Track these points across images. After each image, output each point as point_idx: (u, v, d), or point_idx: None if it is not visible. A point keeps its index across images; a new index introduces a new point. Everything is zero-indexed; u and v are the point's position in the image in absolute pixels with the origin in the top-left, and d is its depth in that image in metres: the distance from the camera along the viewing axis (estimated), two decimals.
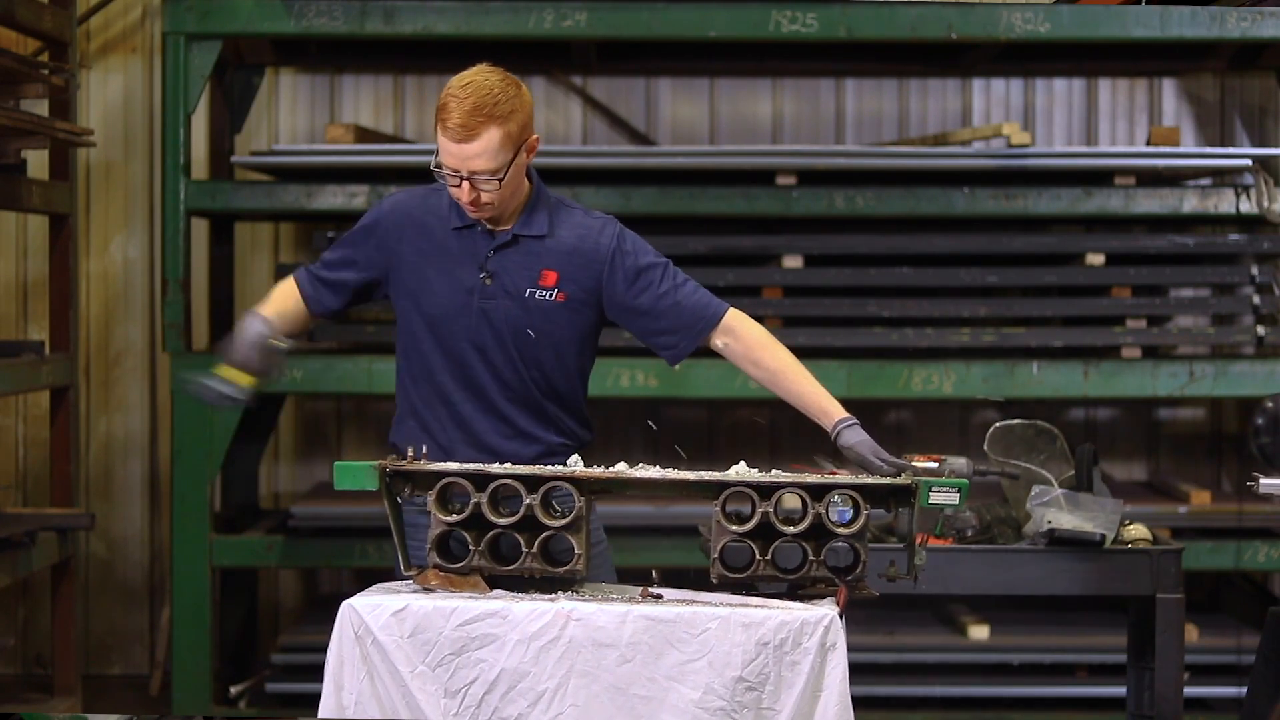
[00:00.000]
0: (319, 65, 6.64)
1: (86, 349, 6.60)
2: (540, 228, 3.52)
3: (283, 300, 3.64)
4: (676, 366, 3.63)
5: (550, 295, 3.51)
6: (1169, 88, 6.73)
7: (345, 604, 3.12)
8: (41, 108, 5.63)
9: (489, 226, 3.52)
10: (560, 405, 3.57)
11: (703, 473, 3.23)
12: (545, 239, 3.52)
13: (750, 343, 3.54)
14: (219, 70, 6.05)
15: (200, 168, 6.26)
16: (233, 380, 3.43)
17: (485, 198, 3.42)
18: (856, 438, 3.37)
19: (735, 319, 3.55)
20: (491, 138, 3.37)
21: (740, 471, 3.24)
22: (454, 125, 3.36)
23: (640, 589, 3.23)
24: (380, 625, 3.08)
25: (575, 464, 3.33)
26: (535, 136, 3.48)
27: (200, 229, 6.32)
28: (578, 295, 3.53)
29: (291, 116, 6.71)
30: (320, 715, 3.12)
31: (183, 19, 5.61)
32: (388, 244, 3.57)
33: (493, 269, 3.51)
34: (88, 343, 6.62)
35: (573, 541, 3.19)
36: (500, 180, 3.40)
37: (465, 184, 3.40)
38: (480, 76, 3.41)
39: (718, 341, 3.55)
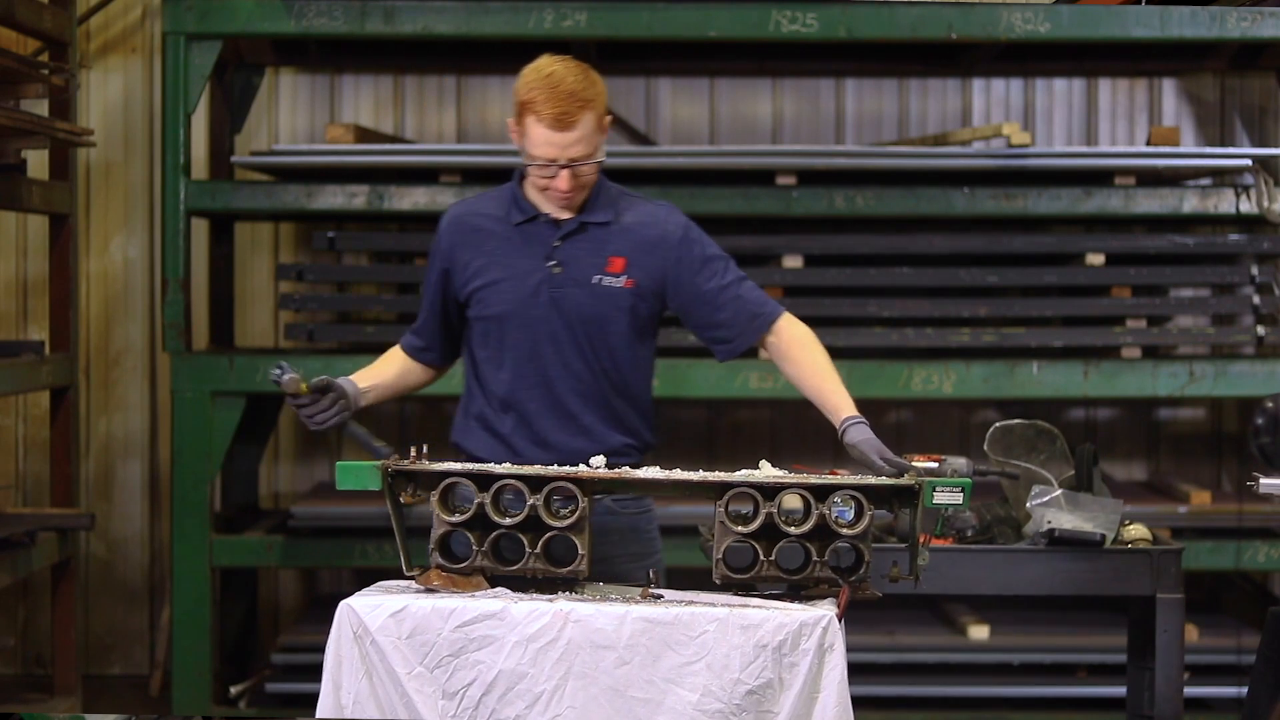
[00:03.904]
0: (319, 65, 6.64)
1: (86, 349, 6.59)
2: (606, 214, 3.53)
3: (385, 364, 3.65)
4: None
5: (618, 281, 3.50)
6: (1169, 88, 6.73)
7: (343, 604, 3.11)
8: (41, 108, 5.63)
9: (556, 216, 3.51)
10: (628, 401, 3.55)
11: (706, 473, 3.22)
12: (610, 225, 3.52)
13: (790, 340, 3.54)
14: (219, 70, 6.05)
15: (200, 168, 6.26)
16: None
17: (582, 183, 3.45)
18: (861, 436, 3.35)
19: (787, 320, 3.56)
20: (588, 122, 3.42)
21: (745, 471, 3.24)
22: (553, 115, 3.39)
23: (640, 589, 3.22)
24: (378, 626, 3.07)
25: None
26: (609, 117, 3.53)
27: (200, 229, 6.31)
28: (644, 281, 3.52)
29: (291, 116, 6.71)
30: (318, 715, 3.11)
31: (183, 19, 5.61)
32: (453, 258, 3.56)
33: (561, 257, 3.50)
34: (88, 343, 6.61)
35: (576, 542, 3.18)
36: (599, 163, 3.44)
37: (564, 173, 3.42)
38: (559, 66, 3.45)
39: (766, 339, 3.56)
